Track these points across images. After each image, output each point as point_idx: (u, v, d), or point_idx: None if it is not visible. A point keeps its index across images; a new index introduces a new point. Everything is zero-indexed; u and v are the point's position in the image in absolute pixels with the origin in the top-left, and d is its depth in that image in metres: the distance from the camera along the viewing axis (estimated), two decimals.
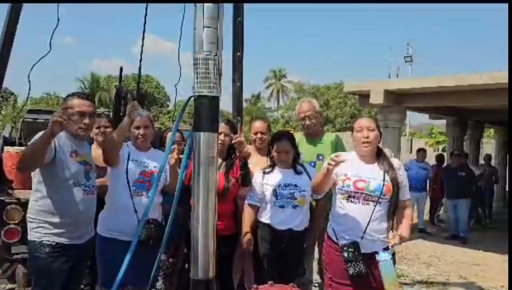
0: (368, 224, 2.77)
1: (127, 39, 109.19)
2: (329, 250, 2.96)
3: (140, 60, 5.50)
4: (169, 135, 3.68)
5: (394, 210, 2.88)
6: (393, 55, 52.30)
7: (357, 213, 2.81)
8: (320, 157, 3.82)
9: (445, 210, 10.06)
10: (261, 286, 2.62)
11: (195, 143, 2.03)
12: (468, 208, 8.54)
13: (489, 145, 15.85)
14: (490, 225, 10.09)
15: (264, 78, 53.22)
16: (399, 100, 7.86)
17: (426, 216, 9.71)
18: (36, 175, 2.73)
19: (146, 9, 5.03)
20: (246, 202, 3.37)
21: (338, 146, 3.93)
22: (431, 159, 10.09)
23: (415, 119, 32.53)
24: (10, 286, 4.05)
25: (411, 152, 18.17)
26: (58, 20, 3.55)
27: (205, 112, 2.01)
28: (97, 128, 3.74)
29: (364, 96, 8.21)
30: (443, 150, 17.16)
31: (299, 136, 3.95)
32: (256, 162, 3.51)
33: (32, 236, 2.72)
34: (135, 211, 3.00)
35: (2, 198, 3.87)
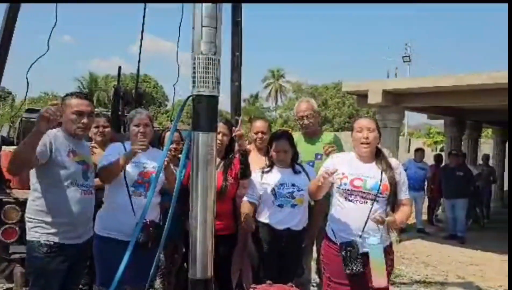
0: (366, 222, 2.77)
1: (125, 38, 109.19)
2: (327, 250, 2.96)
3: (139, 60, 5.52)
4: (167, 134, 3.67)
5: (392, 209, 2.88)
6: (392, 55, 52.63)
7: (355, 212, 2.81)
8: (319, 157, 3.82)
9: (443, 210, 10.07)
10: (260, 286, 2.62)
11: (193, 142, 2.03)
12: (466, 208, 8.55)
13: (487, 145, 15.87)
14: (488, 225, 10.11)
15: (262, 78, 53.34)
16: (397, 100, 7.87)
17: (424, 216, 9.73)
18: (33, 175, 2.72)
19: (145, 9, 5.04)
20: (244, 199, 3.37)
21: (336, 146, 3.93)
22: (429, 159, 10.10)
23: (413, 119, 32.57)
24: (8, 286, 4.04)
25: (409, 152, 18.17)
26: (56, 19, 3.54)
27: (203, 111, 2.01)
28: (95, 127, 3.74)
29: (362, 96, 8.22)
30: (441, 150, 17.16)
31: (297, 136, 3.95)
32: (256, 162, 3.51)
33: (30, 236, 2.71)
34: (133, 211, 2.99)
35: (0, 197, 3.86)
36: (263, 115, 37.52)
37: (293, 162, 3.39)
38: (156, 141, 3.70)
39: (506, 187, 13.56)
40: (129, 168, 3.04)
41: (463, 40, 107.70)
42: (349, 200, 2.84)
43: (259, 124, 3.84)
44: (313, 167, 3.60)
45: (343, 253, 2.76)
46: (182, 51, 4.14)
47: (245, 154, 3.28)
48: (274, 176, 3.31)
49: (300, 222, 3.30)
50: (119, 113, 5.28)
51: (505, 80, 6.16)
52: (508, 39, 7.64)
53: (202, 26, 1.98)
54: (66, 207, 2.71)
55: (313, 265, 4.24)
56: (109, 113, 5.55)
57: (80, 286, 3.32)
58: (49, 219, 2.68)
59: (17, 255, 3.79)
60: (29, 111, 7.61)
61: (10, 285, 3.98)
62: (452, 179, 8.50)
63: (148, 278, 2.54)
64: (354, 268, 2.73)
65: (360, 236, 2.78)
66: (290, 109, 38.57)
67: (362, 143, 2.86)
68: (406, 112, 11.22)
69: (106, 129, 3.88)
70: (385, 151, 3.20)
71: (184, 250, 3.71)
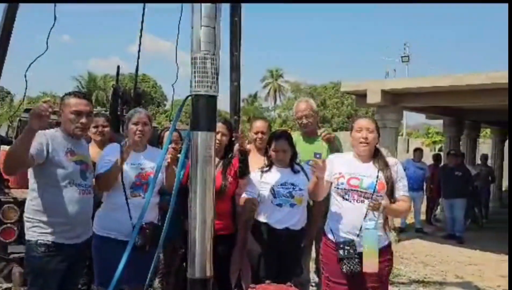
0: (363, 221, 2.77)
1: (124, 38, 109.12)
2: (326, 249, 2.97)
3: (138, 60, 5.52)
4: (166, 134, 3.67)
5: None
6: (390, 55, 52.56)
7: (352, 211, 2.82)
8: (318, 156, 3.82)
9: (442, 209, 10.08)
10: (259, 286, 2.62)
11: (192, 142, 2.03)
12: (464, 208, 8.57)
13: (486, 145, 15.89)
14: (486, 225, 10.12)
15: (261, 78, 53.35)
16: (396, 100, 7.87)
17: (423, 216, 9.75)
18: (32, 175, 2.72)
19: (144, 8, 5.04)
20: (243, 195, 3.36)
21: (335, 145, 3.93)
22: (428, 159, 10.11)
23: (412, 119, 32.71)
24: (6, 285, 4.03)
25: (407, 152, 18.20)
26: (55, 19, 3.53)
27: (202, 111, 2.01)
28: (95, 127, 3.73)
29: (361, 96, 8.22)
30: (440, 150, 17.20)
31: (296, 136, 3.95)
32: (256, 162, 3.51)
33: (28, 235, 2.71)
34: (130, 216, 2.96)
35: None
36: (262, 115, 37.50)
37: (292, 162, 3.39)
38: (155, 141, 3.69)
39: (504, 187, 13.59)
40: (127, 170, 3.02)
41: (462, 40, 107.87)
42: (346, 199, 2.84)
43: (259, 124, 3.84)
44: None
45: (340, 251, 2.77)
46: (181, 51, 4.14)
47: (244, 154, 3.29)
48: (273, 176, 3.31)
49: (299, 222, 3.30)
50: (118, 112, 5.28)
51: (504, 80, 6.17)
52: (508, 39, 7.64)
53: (201, 26, 1.98)
54: (64, 207, 2.70)
55: (312, 265, 4.25)
56: (108, 112, 5.54)
57: (79, 286, 3.32)
58: (47, 219, 2.68)
59: (15, 255, 3.80)
60: (27, 110, 7.58)
61: (9, 285, 3.98)
62: (451, 179, 8.51)
63: (147, 278, 2.54)
64: (351, 267, 2.73)
65: (358, 235, 2.78)
66: (289, 109, 38.62)
67: (361, 143, 2.86)
68: (405, 112, 11.24)
69: (106, 129, 3.87)
70: (384, 151, 3.20)
71: (183, 249, 3.71)
